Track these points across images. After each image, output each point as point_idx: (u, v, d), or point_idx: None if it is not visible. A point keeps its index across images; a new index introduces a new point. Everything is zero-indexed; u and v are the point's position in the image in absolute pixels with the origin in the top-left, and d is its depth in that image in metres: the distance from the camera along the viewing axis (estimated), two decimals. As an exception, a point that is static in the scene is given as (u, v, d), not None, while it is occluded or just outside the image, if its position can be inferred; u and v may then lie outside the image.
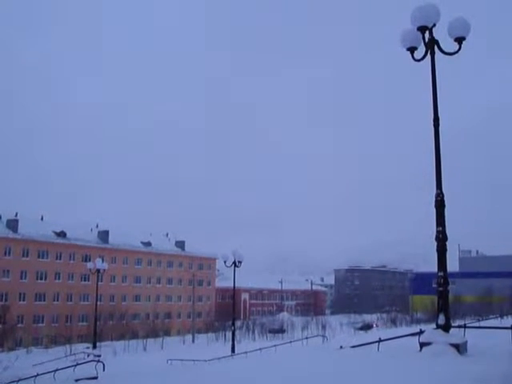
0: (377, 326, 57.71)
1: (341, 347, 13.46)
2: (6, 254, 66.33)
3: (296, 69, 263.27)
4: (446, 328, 9.43)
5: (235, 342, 34.36)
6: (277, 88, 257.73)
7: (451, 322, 9.81)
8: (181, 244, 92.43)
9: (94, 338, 42.06)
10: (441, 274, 9.71)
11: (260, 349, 26.80)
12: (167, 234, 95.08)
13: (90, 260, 61.52)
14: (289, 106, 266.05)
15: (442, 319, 9.48)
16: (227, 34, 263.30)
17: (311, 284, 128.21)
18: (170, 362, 27.23)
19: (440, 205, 9.95)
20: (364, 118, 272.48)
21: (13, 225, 68.33)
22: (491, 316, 38.00)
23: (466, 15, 10.27)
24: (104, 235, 79.74)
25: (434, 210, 10.01)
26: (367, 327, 58.84)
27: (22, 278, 67.30)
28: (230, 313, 46.19)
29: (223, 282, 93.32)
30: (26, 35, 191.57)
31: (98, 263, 41.59)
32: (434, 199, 10.01)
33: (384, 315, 69.92)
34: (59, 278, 71.50)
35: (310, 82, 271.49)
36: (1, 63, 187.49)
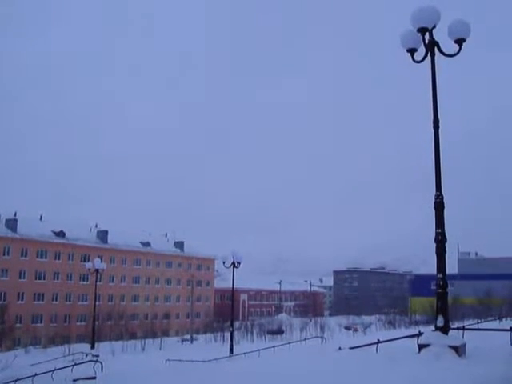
0: (355, 329, 58.13)
1: (339, 348, 13.45)
2: (4, 253, 66.35)
3: (296, 70, 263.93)
4: (444, 330, 9.41)
5: (233, 343, 34.27)
6: (277, 89, 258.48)
7: (450, 324, 9.80)
8: (180, 244, 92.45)
9: (93, 338, 42.00)
10: (440, 275, 9.69)
11: (258, 350, 26.71)
12: (166, 235, 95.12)
13: (88, 260, 61.49)
14: (289, 106, 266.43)
15: (440, 321, 9.47)
16: (227, 37, 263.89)
17: (310, 285, 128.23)
18: (168, 362, 27.18)
19: (439, 206, 9.94)
20: (364, 119, 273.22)
21: (12, 224, 68.34)
22: (490, 318, 37.94)
23: (466, 17, 10.28)
24: (103, 235, 79.76)
25: (433, 212, 10.00)
26: (348, 329, 60.39)
27: (20, 278, 67.29)
28: (228, 313, 46.14)
29: (222, 282, 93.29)
30: (27, 33, 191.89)
31: (97, 263, 41.51)
32: (433, 201, 10.00)
33: (383, 317, 69.81)
34: (58, 278, 71.50)
35: (310, 84, 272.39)
36: (1, 61, 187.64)
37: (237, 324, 57.57)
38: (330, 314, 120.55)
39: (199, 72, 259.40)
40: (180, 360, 26.88)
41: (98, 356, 30.71)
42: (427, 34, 10.13)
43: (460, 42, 10.03)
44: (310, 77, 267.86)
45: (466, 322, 29.51)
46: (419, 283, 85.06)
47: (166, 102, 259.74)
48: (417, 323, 54.53)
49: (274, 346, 28.93)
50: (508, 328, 12.11)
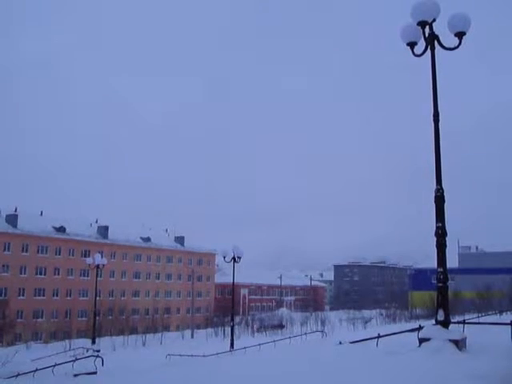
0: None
1: (340, 343, 13.45)
2: (5, 249, 66.41)
3: (297, 64, 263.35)
4: (445, 324, 9.40)
5: (234, 338, 34.35)
6: (277, 88, 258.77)
7: (450, 317, 9.79)
8: (180, 239, 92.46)
9: (93, 333, 42.10)
10: (440, 269, 9.68)
11: (259, 344, 26.77)
12: (166, 230, 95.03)
13: (89, 255, 61.51)
14: (289, 104, 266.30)
15: (441, 315, 9.46)
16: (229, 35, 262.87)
17: (310, 280, 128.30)
18: (168, 357, 27.24)
19: (440, 200, 9.91)
20: (363, 114, 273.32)
21: (12, 220, 68.38)
22: (490, 312, 38.03)
23: (467, 10, 10.23)
24: (103, 230, 79.81)
25: (433, 206, 9.97)
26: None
27: (21, 273, 67.38)
28: (229, 308, 46.25)
29: (222, 277, 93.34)
30: (28, 29, 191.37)
31: (98, 258, 41.49)
32: (433, 195, 9.98)
33: (383, 311, 69.90)
34: (58, 274, 71.59)
35: (310, 80, 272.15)
36: (1, 57, 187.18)
37: (237, 319, 57.71)
38: (331, 309, 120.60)
39: (199, 70, 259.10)
40: (181, 355, 26.97)
41: (98, 351, 30.79)
42: (427, 27, 10.09)
43: (460, 35, 9.99)
44: (310, 74, 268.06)
45: (467, 316, 29.61)
46: (420, 277, 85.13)
47: (166, 101, 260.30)
48: (417, 317, 54.66)
49: (274, 341, 29.02)
50: (508, 322, 12.11)
